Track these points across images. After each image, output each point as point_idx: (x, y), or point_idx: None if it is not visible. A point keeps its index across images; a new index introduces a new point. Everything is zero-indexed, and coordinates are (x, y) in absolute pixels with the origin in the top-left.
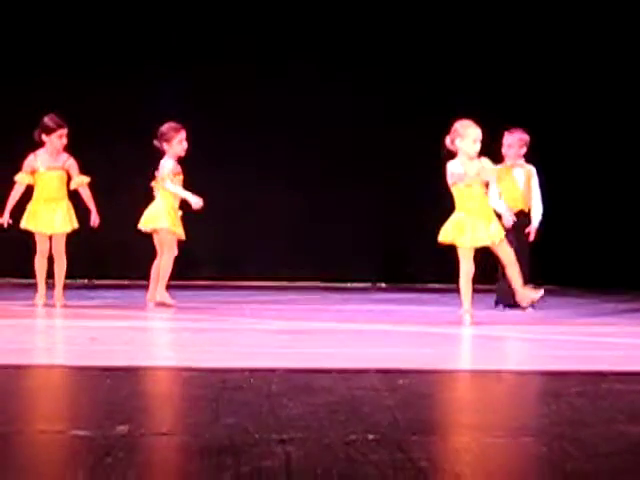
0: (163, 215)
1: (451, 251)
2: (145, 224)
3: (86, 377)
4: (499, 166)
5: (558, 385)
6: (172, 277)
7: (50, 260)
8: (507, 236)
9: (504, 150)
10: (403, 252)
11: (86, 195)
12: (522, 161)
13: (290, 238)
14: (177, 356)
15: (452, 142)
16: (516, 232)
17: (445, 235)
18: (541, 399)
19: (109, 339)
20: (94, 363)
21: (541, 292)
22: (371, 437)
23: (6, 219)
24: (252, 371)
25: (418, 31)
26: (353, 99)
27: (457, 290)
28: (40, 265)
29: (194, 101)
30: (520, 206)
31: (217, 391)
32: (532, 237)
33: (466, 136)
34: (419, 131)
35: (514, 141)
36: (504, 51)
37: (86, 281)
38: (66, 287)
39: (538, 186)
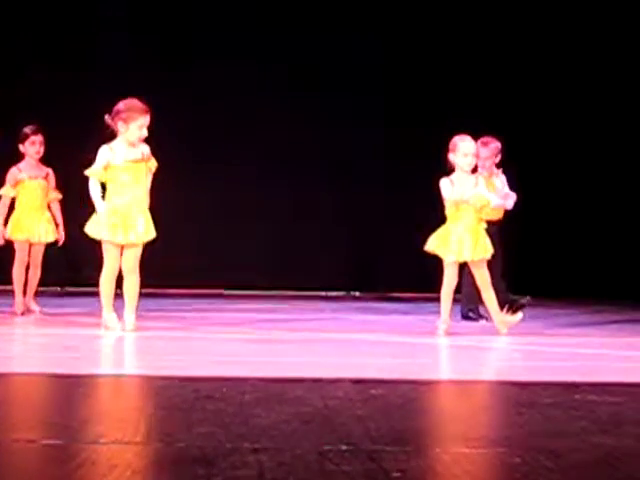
0: (92, 220)
1: (427, 260)
2: None
3: (58, 385)
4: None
5: (531, 396)
6: (142, 285)
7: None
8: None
9: (480, 162)
10: (377, 261)
11: (56, 210)
12: (497, 170)
13: (263, 247)
14: (150, 365)
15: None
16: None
17: (431, 245)
18: (514, 410)
19: (82, 347)
20: (66, 371)
21: (519, 316)
22: (344, 447)
23: (1, 233)
24: (225, 380)
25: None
26: (333, 106)
27: (434, 299)
28: (19, 274)
29: (170, 101)
30: (497, 215)
31: (190, 400)
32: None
33: (457, 150)
34: (396, 140)
35: (491, 153)
36: (475, 52)
37: (59, 289)
38: (38, 294)
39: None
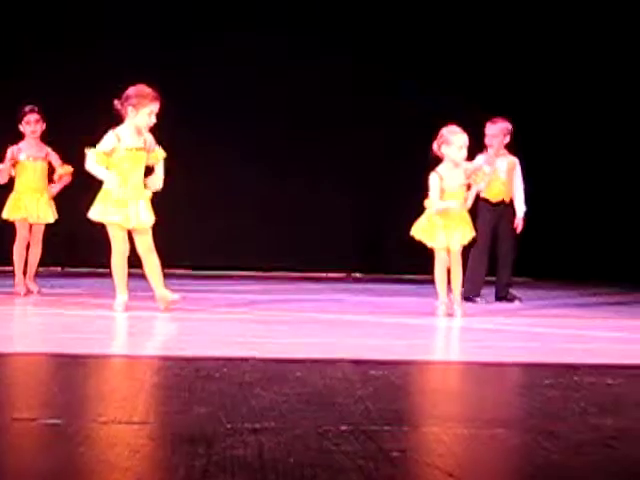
0: (95, 203)
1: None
2: None
3: (58, 365)
4: (481, 156)
5: (531, 377)
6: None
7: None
8: (493, 227)
9: (487, 140)
10: (378, 242)
11: (66, 182)
12: (505, 151)
13: (265, 228)
14: (150, 345)
15: (439, 148)
16: (500, 223)
17: (417, 232)
18: (514, 391)
19: (82, 327)
20: (67, 351)
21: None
22: (344, 427)
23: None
24: (225, 360)
25: (391, 19)
26: (334, 96)
27: (432, 281)
28: (19, 252)
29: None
30: (502, 196)
31: (190, 380)
32: (520, 229)
33: (452, 142)
34: (393, 126)
35: (497, 131)
36: (486, 40)
37: (59, 269)
38: (39, 275)
39: (521, 177)
